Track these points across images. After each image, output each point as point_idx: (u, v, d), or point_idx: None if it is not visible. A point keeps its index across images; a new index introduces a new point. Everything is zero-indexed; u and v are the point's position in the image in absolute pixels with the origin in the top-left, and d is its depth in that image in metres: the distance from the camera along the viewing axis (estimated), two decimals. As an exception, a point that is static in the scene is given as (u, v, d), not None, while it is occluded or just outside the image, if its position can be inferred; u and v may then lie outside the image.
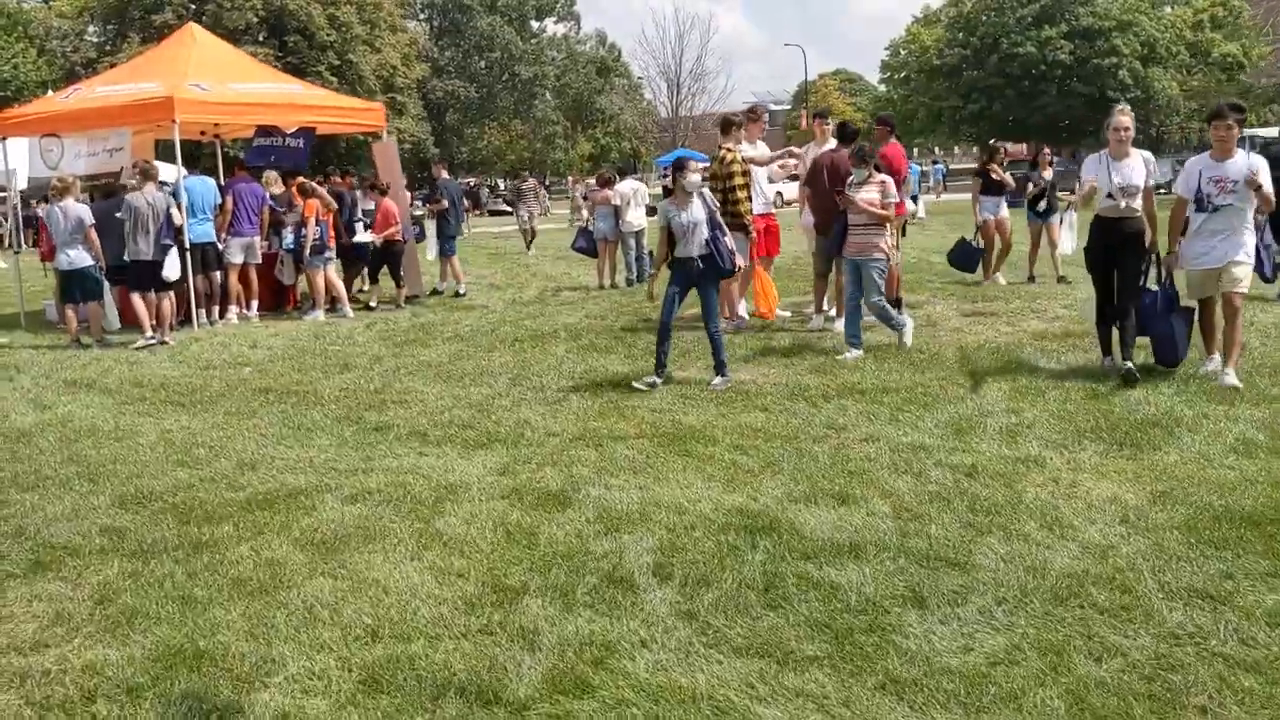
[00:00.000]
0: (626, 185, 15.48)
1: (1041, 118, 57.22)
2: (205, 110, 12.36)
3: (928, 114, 63.02)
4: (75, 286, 11.65)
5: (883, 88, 76.91)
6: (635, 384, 7.85)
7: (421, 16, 57.45)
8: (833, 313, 10.30)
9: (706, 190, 7.98)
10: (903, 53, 75.00)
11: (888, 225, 8.66)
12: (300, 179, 13.51)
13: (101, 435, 7.24)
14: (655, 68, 76.03)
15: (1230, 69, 61.24)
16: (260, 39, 40.51)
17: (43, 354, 10.93)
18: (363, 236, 14.11)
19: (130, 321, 12.44)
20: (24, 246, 17.03)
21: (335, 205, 14.43)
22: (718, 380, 7.76)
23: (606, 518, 4.98)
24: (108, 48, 43.14)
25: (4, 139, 13.70)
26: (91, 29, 45.66)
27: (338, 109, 14.13)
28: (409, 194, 13.36)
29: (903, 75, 73.29)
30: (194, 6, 40.94)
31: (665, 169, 41.75)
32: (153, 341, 11.38)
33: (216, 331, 12.20)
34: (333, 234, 13.90)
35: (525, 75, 57.45)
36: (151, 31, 40.97)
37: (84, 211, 11.54)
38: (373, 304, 13.50)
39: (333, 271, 13.57)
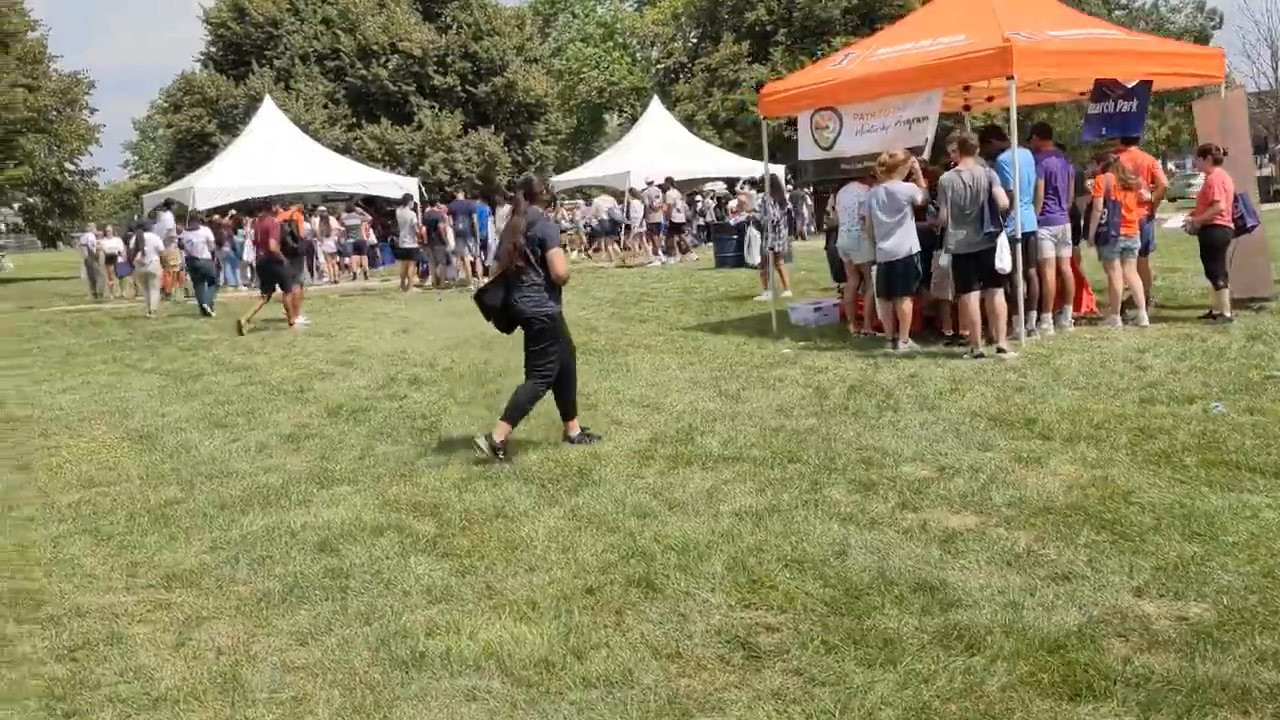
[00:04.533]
0: None
1: None
2: (1044, 61, 9.66)
3: None
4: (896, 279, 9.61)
5: None
6: None
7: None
8: None
9: None
10: None
11: None
12: (1132, 147, 10.45)
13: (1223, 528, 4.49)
14: (1255, 34, 65.58)
15: None
16: (851, 29, 38.81)
17: (882, 370, 8.77)
18: (1174, 221, 10.83)
19: (942, 328, 10.28)
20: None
21: (1138, 182, 11.28)
22: None
23: None
24: (698, 51, 43.79)
25: (766, 119, 12.11)
26: (680, 34, 46.80)
27: (1174, 55, 10.86)
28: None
29: None
30: (784, 1, 40.17)
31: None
32: (982, 356, 8.92)
33: (1048, 344, 9.47)
34: (1130, 216, 10.76)
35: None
36: (743, 30, 40.89)
37: (912, 191, 9.38)
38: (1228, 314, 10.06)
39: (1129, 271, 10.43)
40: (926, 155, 9.87)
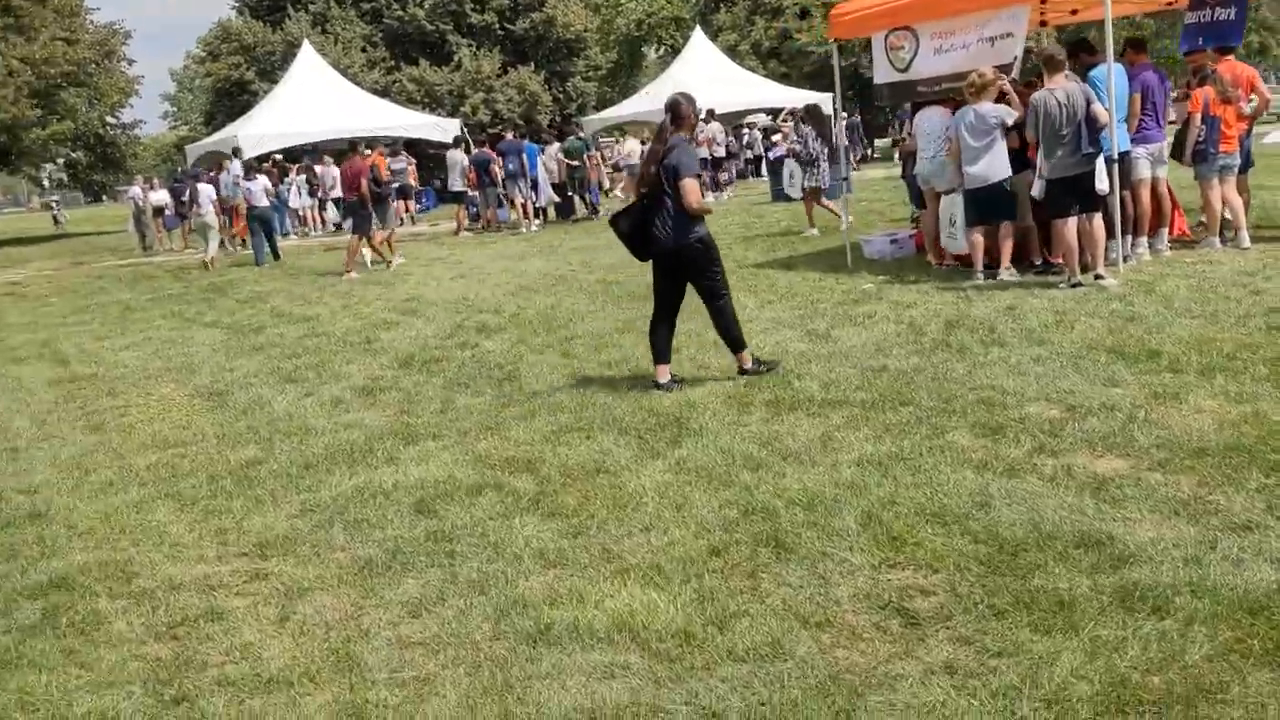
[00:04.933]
0: None
1: None
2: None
3: None
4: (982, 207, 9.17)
5: None
6: None
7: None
8: None
9: None
10: None
11: None
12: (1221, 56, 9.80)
13: None
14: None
15: None
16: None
17: (975, 303, 8.34)
18: (1276, 134, 10.15)
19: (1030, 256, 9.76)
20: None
21: (1237, 95, 10.62)
22: None
23: None
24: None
25: (835, 42, 11.52)
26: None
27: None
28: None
29: None
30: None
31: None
32: (1080, 285, 8.44)
33: (1147, 270, 8.96)
34: (1230, 132, 10.09)
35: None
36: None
37: (1003, 112, 8.88)
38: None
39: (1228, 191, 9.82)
40: (1015, 74, 9.30)
